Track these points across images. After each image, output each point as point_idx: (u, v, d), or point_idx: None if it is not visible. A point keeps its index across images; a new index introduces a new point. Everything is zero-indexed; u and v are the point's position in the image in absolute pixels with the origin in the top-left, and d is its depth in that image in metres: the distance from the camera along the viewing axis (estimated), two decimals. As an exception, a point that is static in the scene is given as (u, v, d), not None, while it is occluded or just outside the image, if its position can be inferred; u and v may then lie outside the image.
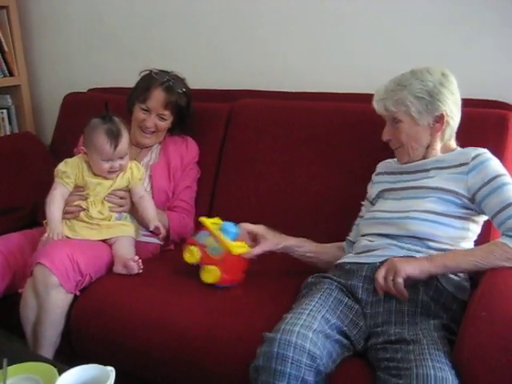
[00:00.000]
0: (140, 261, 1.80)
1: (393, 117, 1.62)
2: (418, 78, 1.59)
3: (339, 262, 1.64)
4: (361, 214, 1.80)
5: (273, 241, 1.72)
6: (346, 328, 1.38)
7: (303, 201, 2.01)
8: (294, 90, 2.22)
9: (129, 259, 1.80)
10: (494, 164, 1.54)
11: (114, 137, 1.82)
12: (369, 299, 1.47)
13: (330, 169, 1.99)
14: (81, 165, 1.89)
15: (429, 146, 1.63)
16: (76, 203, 1.88)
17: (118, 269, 1.82)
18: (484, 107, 1.64)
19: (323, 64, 2.23)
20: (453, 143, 1.67)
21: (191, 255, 1.74)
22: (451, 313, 1.42)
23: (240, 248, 1.68)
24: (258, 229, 1.73)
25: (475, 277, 1.46)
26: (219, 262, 1.68)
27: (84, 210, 1.87)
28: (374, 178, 1.79)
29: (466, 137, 1.67)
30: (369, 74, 2.10)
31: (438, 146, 1.64)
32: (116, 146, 1.82)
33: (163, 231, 1.92)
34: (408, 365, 1.20)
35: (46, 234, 1.81)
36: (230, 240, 1.69)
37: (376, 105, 1.65)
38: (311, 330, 1.28)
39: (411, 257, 1.47)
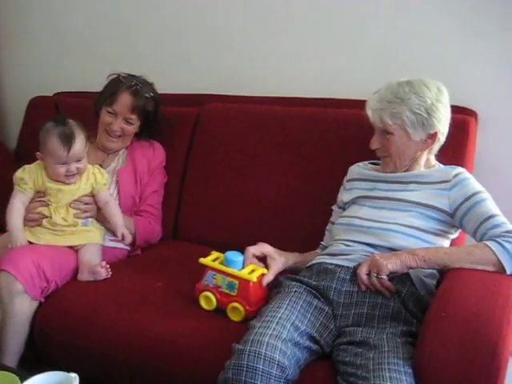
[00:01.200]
0: (108, 266, 1.78)
1: (386, 129, 1.62)
2: (416, 93, 1.58)
3: (311, 263, 1.65)
4: (331, 219, 1.81)
5: (280, 260, 1.66)
6: (315, 333, 1.39)
7: (270, 206, 2.02)
8: (261, 95, 2.23)
9: (96, 265, 1.78)
10: (474, 182, 1.59)
11: (68, 140, 1.79)
12: (340, 301, 1.48)
13: (299, 174, 2.01)
14: (40, 170, 1.85)
15: (414, 160, 1.65)
16: (38, 210, 1.85)
17: (84, 276, 1.79)
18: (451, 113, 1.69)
19: (291, 69, 2.25)
20: (432, 158, 1.71)
21: (207, 303, 1.62)
22: (421, 318, 1.42)
23: (254, 273, 1.56)
24: (264, 248, 1.66)
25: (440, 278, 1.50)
26: (240, 297, 1.56)
27: (47, 217, 1.84)
28: (347, 184, 1.79)
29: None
30: (338, 78, 2.14)
31: (423, 160, 1.67)
32: (69, 149, 1.79)
33: (129, 239, 1.90)
34: (366, 374, 1.22)
35: (9, 245, 1.78)
36: (239, 269, 1.57)
37: (371, 114, 1.63)
38: (280, 340, 1.28)
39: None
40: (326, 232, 1.82)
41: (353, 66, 2.13)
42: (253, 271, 1.57)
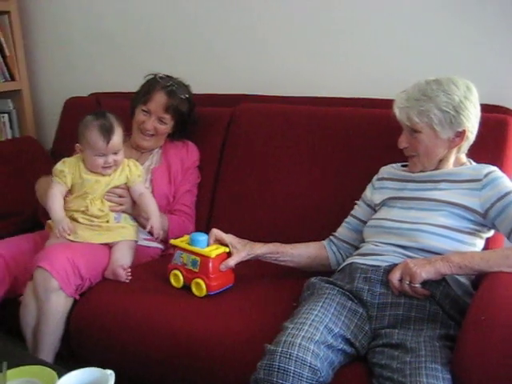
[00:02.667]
0: (129, 270, 1.79)
1: (413, 127, 1.60)
2: (444, 91, 1.55)
3: (343, 265, 1.64)
4: (352, 212, 1.80)
5: (243, 250, 1.71)
6: (350, 336, 1.37)
7: (304, 205, 2.01)
8: (295, 95, 2.22)
9: (118, 266, 1.79)
10: (507, 181, 1.55)
11: (107, 131, 1.83)
12: (375, 301, 1.46)
13: (332, 173, 1.99)
14: (78, 163, 1.90)
15: (443, 158, 1.62)
16: (74, 207, 1.88)
17: (109, 274, 1.82)
18: (484, 112, 1.64)
19: (325, 68, 2.24)
20: (463, 157, 1.67)
21: (175, 280, 1.74)
22: (458, 320, 1.40)
23: (214, 251, 1.67)
24: (228, 238, 1.73)
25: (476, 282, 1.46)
26: (201, 273, 1.67)
27: (82, 211, 1.87)
28: (376, 182, 1.77)
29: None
30: (370, 78, 2.12)
31: (452, 158, 1.64)
32: (108, 141, 1.83)
33: (158, 234, 1.89)
34: (403, 379, 1.19)
35: (56, 233, 1.80)
36: (204, 248, 1.68)
37: (398, 112, 1.61)
38: (313, 342, 1.27)
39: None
40: (343, 223, 1.80)
41: (385, 65, 2.10)
42: (214, 249, 1.67)
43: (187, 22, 2.52)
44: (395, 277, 1.43)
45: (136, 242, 1.93)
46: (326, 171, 2.00)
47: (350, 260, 1.63)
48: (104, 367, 1.23)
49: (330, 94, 2.15)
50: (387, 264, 1.51)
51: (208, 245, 1.70)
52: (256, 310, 1.60)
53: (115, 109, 2.01)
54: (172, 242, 1.78)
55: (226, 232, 1.76)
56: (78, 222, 1.86)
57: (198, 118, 2.20)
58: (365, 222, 1.75)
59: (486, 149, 1.67)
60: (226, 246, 1.72)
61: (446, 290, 1.44)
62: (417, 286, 1.40)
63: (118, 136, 1.85)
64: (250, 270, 1.78)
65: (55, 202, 1.85)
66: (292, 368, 1.22)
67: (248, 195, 2.11)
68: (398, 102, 1.62)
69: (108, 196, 1.91)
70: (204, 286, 1.66)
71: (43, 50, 2.99)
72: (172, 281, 1.74)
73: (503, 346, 1.16)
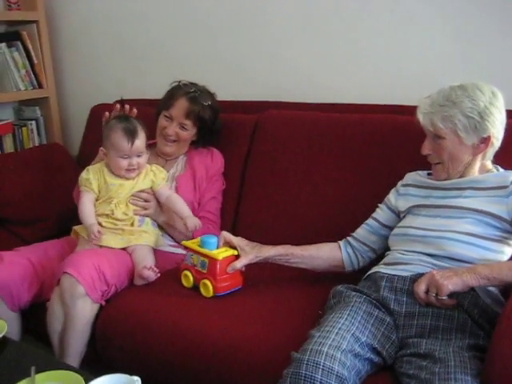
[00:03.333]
0: (154, 267, 1.80)
1: (437, 133, 1.58)
2: (468, 96, 1.53)
3: (369, 273, 1.62)
4: (373, 214, 1.79)
5: (251, 253, 1.73)
6: (377, 345, 1.36)
7: (329, 212, 2.00)
8: (319, 102, 2.22)
9: (142, 268, 1.80)
10: None
11: (131, 133, 1.86)
12: (402, 310, 1.45)
13: (357, 181, 1.98)
14: (101, 168, 1.93)
15: (468, 165, 1.60)
16: (99, 212, 1.90)
17: (137, 281, 1.83)
18: (510, 118, 1.61)
19: (348, 75, 2.23)
20: (489, 163, 1.65)
21: (186, 280, 1.79)
22: (488, 330, 1.38)
23: (222, 253, 1.71)
24: (236, 241, 1.76)
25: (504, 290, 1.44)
26: (209, 274, 1.71)
27: (108, 215, 1.89)
28: (401, 188, 1.76)
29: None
30: (394, 85, 2.11)
31: (477, 165, 1.61)
32: (133, 143, 1.86)
33: (194, 227, 1.90)
34: None
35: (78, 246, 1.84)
36: (212, 250, 1.73)
37: (422, 118, 1.60)
38: (340, 351, 1.25)
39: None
40: (362, 225, 1.79)
41: (406, 71, 2.10)
42: (222, 252, 1.71)
43: (211, 30, 2.54)
44: (421, 288, 1.41)
45: (153, 248, 1.93)
46: (351, 179, 1.99)
47: (375, 269, 1.62)
48: (130, 373, 1.23)
49: (355, 101, 2.14)
50: (413, 273, 1.50)
51: (218, 247, 1.74)
52: (281, 317, 1.59)
53: (139, 116, 2.02)
54: (183, 243, 1.84)
55: (252, 239, 1.77)
56: (101, 225, 1.88)
57: (223, 126, 2.21)
58: (385, 226, 1.74)
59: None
60: (236, 249, 1.75)
61: (475, 299, 1.42)
62: (444, 298, 1.37)
63: (141, 138, 1.89)
64: (269, 272, 1.80)
65: (85, 209, 1.89)
66: (319, 377, 1.20)
67: (273, 202, 2.11)
68: (421, 107, 1.61)
69: (133, 200, 1.93)
70: (211, 287, 1.70)
71: (70, 59, 3.04)
72: (183, 281, 1.80)
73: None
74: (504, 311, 1.28)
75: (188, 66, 2.60)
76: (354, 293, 1.52)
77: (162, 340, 1.61)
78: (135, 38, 2.78)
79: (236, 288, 1.74)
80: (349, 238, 1.80)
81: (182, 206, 1.95)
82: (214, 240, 1.74)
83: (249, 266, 1.76)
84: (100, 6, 2.85)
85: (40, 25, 2.83)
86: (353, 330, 1.34)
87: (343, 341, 1.29)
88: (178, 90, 2.12)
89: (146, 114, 2.18)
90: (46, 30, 2.87)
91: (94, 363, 1.75)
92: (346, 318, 1.38)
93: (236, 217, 2.19)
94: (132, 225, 1.91)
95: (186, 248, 1.82)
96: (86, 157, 2.58)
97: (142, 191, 1.95)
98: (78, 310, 1.71)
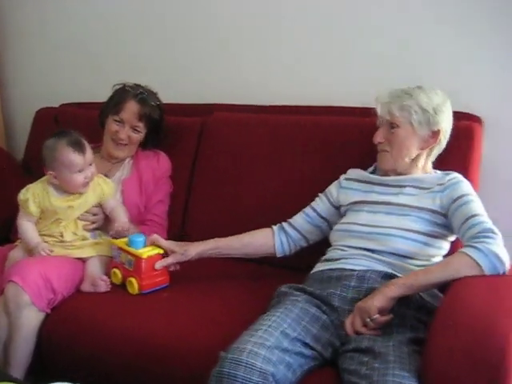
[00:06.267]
0: (108, 280, 1.80)
1: (392, 121, 1.66)
2: (425, 93, 1.66)
3: (312, 271, 1.65)
4: (313, 205, 1.83)
5: (180, 251, 1.76)
6: (310, 340, 1.37)
7: (278, 216, 1.97)
8: (267, 104, 2.22)
9: (97, 278, 1.79)
10: (466, 185, 1.61)
11: (79, 146, 1.81)
12: (346, 307, 1.48)
13: (307, 182, 1.99)
14: (46, 189, 1.85)
15: (413, 161, 1.68)
16: (47, 232, 1.86)
17: (86, 287, 1.80)
18: (455, 119, 1.70)
19: (298, 77, 2.25)
20: (430, 166, 1.73)
21: (115, 277, 1.83)
22: (427, 323, 1.40)
23: (147, 252, 1.75)
24: (165, 244, 1.79)
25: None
26: (135, 272, 1.75)
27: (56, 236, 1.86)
28: (344, 182, 1.81)
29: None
30: (346, 86, 2.14)
31: (421, 163, 1.70)
32: (84, 154, 1.82)
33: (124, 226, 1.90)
34: None
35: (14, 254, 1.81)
36: (139, 249, 1.76)
37: (380, 107, 1.69)
38: (264, 347, 1.27)
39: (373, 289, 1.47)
40: (300, 212, 1.83)
41: (356, 75, 2.13)
42: (147, 251, 1.75)
43: (159, 31, 2.52)
44: (359, 325, 1.41)
45: (110, 258, 1.91)
46: (300, 180, 2.01)
47: (319, 267, 1.65)
48: (76, 381, 1.22)
49: (304, 103, 2.16)
50: (359, 270, 1.54)
51: (144, 246, 1.77)
52: (224, 319, 1.60)
53: (85, 120, 2.00)
54: (112, 241, 1.85)
55: (202, 239, 1.80)
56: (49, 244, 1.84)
57: (170, 126, 2.20)
58: (323, 218, 1.80)
59: (452, 157, 1.72)
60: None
61: (412, 296, 1.45)
62: (376, 316, 1.39)
63: (87, 147, 1.85)
64: (197, 269, 1.81)
65: (26, 231, 1.84)
66: (241, 374, 1.22)
67: (221, 204, 2.12)
68: (380, 97, 1.70)
69: (83, 216, 1.90)
70: (136, 284, 1.74)
71: (13, 60, 2.96)
72: (112, 278, 1.83)
73: (469, 352, 1.17)
74: (441, 305, 1.32)
75: (133, 67, 2.57)
76: (297, 292, 1.54)
77: (108, 347, 1.59)
78: (77, 40, 2.74)
79: (162, 286, 1.78)
80: (284, 223, 1.84)
81: (120, 216, 1.93)
82: (141, 239, 1.78)
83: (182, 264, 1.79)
84: (44, 3, 2.79)
85: (-20, 26, 2.77)
86: (283, 326, 1.35)
87: (270, 337, 1.30)
88: (125, 93, 2.10)
89: (92, 118, 2.16)
90: (-13, 32, 2.81)
91: (40, 374, 1.72)
92: (279, 316, 1.39)
93: (184, 220, 2.18)
94: (83, 240, 1.89)
95: (114, 246, 1.84)
96: (31, 161, 2.55)
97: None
98: (23, 319, 1.67)
